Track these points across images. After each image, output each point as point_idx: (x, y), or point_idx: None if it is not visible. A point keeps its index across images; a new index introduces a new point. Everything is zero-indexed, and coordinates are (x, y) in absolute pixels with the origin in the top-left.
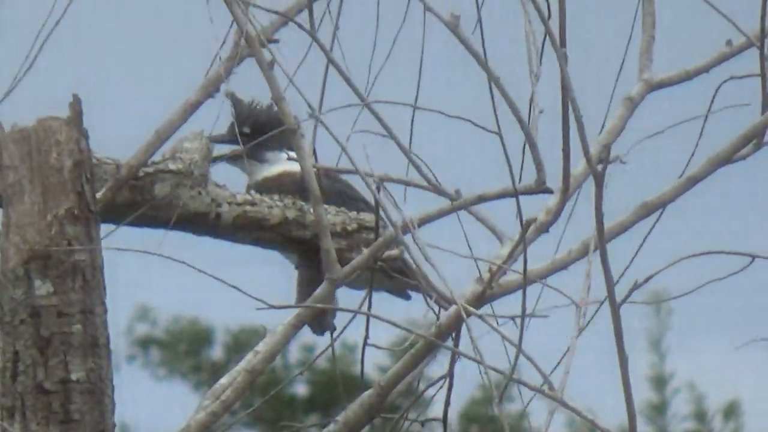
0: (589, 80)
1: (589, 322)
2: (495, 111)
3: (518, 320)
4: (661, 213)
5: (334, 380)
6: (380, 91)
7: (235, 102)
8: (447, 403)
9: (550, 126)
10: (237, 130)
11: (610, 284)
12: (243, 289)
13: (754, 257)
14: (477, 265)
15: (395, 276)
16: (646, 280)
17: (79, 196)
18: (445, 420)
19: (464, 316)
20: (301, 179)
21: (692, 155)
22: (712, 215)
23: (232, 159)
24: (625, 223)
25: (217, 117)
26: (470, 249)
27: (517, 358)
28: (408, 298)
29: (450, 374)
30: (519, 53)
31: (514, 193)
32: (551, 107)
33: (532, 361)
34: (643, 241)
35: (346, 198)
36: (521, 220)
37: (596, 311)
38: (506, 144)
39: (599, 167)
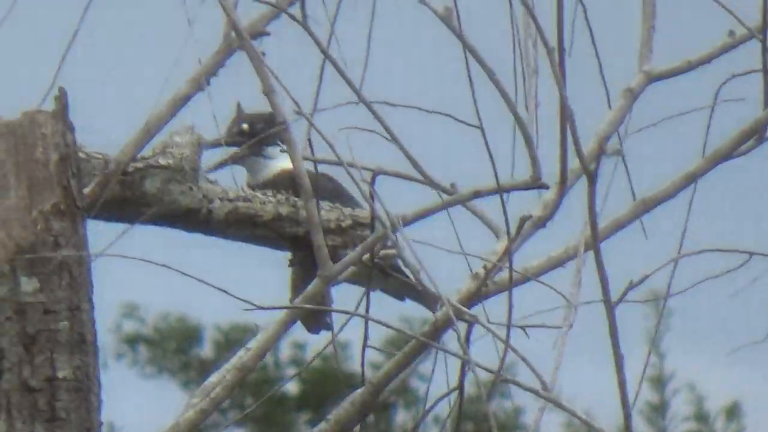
0: (589, 72)
1: (572, 322)
2: (475, 104)
3: (525, 321)
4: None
5: (326, 378)
6: (376, 86)
7: (239, 110)
8: (459, 417)
9: (549, 120)
10: (234, 127)
11: (605, 284)
12: (232, 289)
13: (751, 254)
14: (468, 262)
15: (392, 275)
16: (642, 280)
17: (66, 191)
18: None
19: (452, 315)
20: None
21: (704, 147)
22: (712, 212)
23: (236, 160)
24: (622, 220)
25: (216, 118)
26: (461, 245)
27: (504, 356)
28: (402, 299)
29: (461, 386)
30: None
31: (508, 189)
32: (551, 101)
33: (524, 360)
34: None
35: (344, 198)
36: (506, 217)
37: (590, 311)
38: (504, 139)
39: (592, 166)
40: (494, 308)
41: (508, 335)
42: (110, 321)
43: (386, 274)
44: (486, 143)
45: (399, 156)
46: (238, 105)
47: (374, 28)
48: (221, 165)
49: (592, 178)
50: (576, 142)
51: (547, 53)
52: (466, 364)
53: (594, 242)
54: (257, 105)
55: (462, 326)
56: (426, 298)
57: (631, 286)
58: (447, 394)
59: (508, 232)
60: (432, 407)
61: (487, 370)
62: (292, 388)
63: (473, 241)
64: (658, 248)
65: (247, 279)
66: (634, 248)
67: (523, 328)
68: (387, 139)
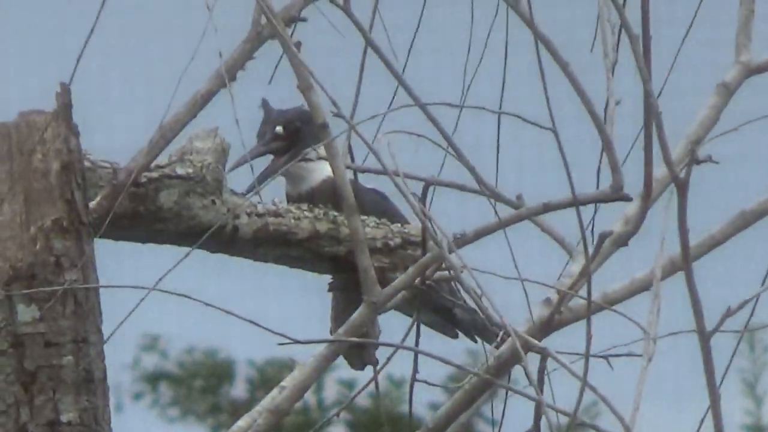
0: (676, 65)
1: (651, 355)
2: (548, 102)
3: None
4: None
5: (377, 422)
6: (426, 81)
7: (266, 109)
8: None
9: (628, 121)
10: (266, 133)
11: (698, 311)
12: (263, 318)
13: None
14: (523, 287)
15: (443, 298)
16: (741, 307)
17: (69, 205)
18: None
19: (519, 348)
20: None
21: None
22: None
23: (276, 172)
24: (718, 236)
25: (244, 119)
26: (517, 268)
27: (581, 395)
28: (455, 336)
29: (536, 428)
30: (590, 36)
31: (585, 201)
32: (629, 100)
33: (605, 400)
34: None
35: (393, 217)
36: (583, 233)
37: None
38: (579, 144)
39: (683, 173)
40: (564, 339)
41: (585, 371)
42: (126, 355)
43: (437, 307)
44: (560, 147)
45: (455, 164)
46: (265, 103)
47: (427, 14)
48: (260, 182)
49: (683, 188)
50: (664, 146)
51: (629, 42)
52: (541, 405)
53: (686, 263)
54: (291, 103)
55: (531, 360)
56: (486, 332)
57: (729, 314)
58: None
59: (586, 251)
60: None
61: (560, 411)
62: None
63: (543, 262)
64: (755, 269)
65: (280, 306)
66: (727, 269)
67: (606, 358)
68: (440, 146)
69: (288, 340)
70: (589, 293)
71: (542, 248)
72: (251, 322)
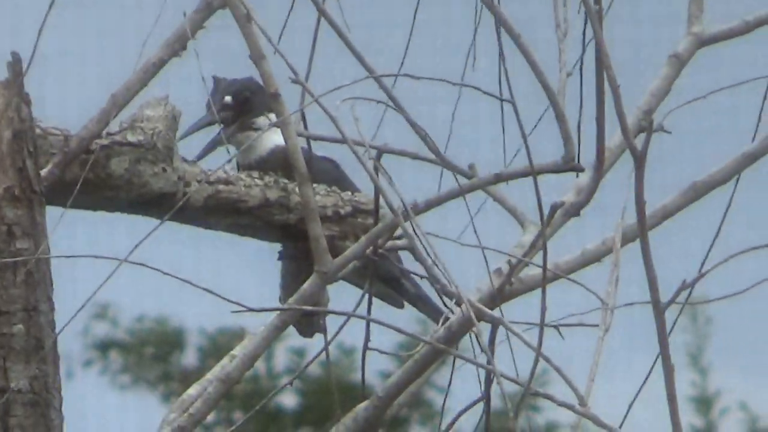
0: (627, 35)
1: (608, 325)
2: (506, 74)
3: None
4: None
5: (328, 390)
6: (381, 52)
7: (216, 80)
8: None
9: (580, 91)
10: (216, 103)
11: (654, 283)
12: (214, 286)
13: None
14: (484, 256)
15: (393, 267)
16: (697, 279)
17: (20, 173)
18: None
19: (473, 317)
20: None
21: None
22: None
23: (226, 140)
24: (670, 207)
25: (194, 87)
26: (478, 237)
27: (535, 365)
28: (401, 306)
29: (487, 396)
30: (543, 8)
31: (537, 171)
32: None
33: (558, 370)
34: None
35: (345, 187)
36: (539, 202)
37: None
38: (531, 115)
39: (639, 142)
40: (515, 310)
41: (540, 340)
42: (76, 323)
43: (384, 278)
44: (518, 118)
45: (411, 134)
46: (214, 77)
47: None
48: (209, 150)
49: (641, 159)
50: (621, 117)
51: (583, 12)
52: (491, 373)
53: (642, 233)
54: (243, 73)
55: (483, 329)
56: (429, 306)
57: (684, 287)
58: (470, 407)
59: (542, 219)
60: (453, 422)
61: (514, 381)
62: (289, 401)
63: (495, 232)
64: (705, 242)
65: (230, 274)
66: (676, 241)
67: (557, 328)
68: (394, 109)
69: (241, 308)
70: (544, 262)
71: (493, 219)
72: (206, 290)
